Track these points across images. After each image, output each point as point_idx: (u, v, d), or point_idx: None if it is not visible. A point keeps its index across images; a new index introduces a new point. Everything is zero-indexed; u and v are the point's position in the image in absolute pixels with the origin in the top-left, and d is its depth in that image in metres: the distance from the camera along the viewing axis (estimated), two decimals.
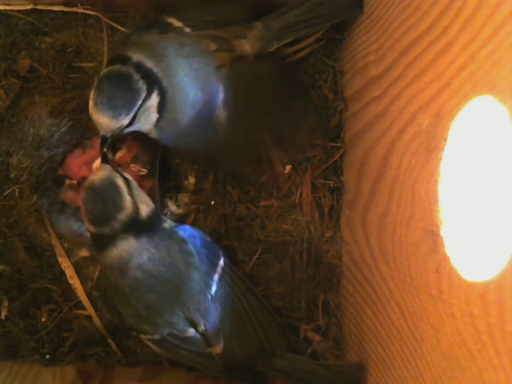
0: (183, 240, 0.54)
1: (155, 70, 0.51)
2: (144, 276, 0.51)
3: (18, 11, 0.65)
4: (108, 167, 0.52)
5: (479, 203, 0.35)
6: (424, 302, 0.43)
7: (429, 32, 0.41)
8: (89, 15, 0.65)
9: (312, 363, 0.59)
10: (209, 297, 0.54)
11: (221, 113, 0.55)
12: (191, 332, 0.54)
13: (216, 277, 0.55)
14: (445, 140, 0.39)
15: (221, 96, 0.55)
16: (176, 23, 0.55)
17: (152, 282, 0.51)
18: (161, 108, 0.52)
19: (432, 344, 0.41)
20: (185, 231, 0.55)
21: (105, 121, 0.50)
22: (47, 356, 0.64)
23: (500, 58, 0.32)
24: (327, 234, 0.66)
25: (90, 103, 0.50)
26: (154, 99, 0.51)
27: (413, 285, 0.45)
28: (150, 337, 0.55)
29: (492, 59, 0.33)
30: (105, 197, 0.49)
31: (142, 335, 0.55)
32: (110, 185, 0.50)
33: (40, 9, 0.65)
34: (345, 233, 0.65)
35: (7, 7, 0.65)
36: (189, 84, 0.53)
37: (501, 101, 0.32)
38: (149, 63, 0.51)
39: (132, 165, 0.64)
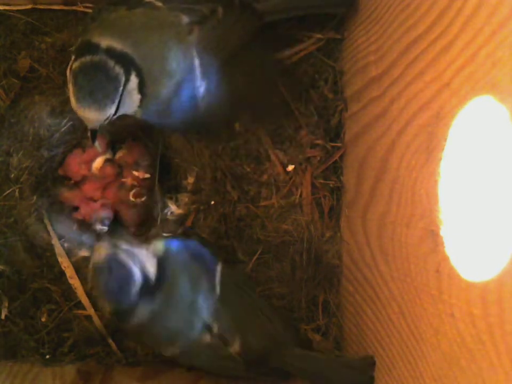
0: (178, 251, 0.56)
1: (126, 50, 0.49)
2: (162, 311, 0.53)
3: (18, 11, 0.65)
4: (105, 244, 0.53)
5: (479, 203, 0.35)
6: (424, 302, 0.43)
7: (429, 32, 0.41)
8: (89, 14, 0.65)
9: (324, 358, 0.59)
10: (216, 298, 0.55)
11: (199, 79, 0.54)
12: (207, 337, 0.54)
13: (217, 278, 0.56)
14: (445, 140, 0.39)
15: (196, 62, 0.53)
16: None
17: (166, 311, 0.53)
18: (141, 86, 0.50)
19: (432, 344, 0.41)
20: (178, 242, 0.57)
21: (92, 115, 0.49)
22: (47, 356, 0.64)
23: (499, 58, 0.32)
24: (327, 234, 0.66)
25: (72, 100, 0.49)
26: (133, 81, 0.50)
27: (413, 285, 0.45)
28: (169, 353, 0.56)
29: (492, 59, 0.33)
30: (115, 276, 0.51)
31: (164, 353, 0.56)
32: (116, 263, 0.51)
33: (40, 9, 0.65)
34: (345, 233, 0.65)
35: (7, 7, 0.65)
36: (161, 55, 0.51)
37: (501, 101, 0.32)
38: (118, 45, 0.49)
39: (135, 172, 0.64)
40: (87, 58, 0.48)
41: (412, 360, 0.45)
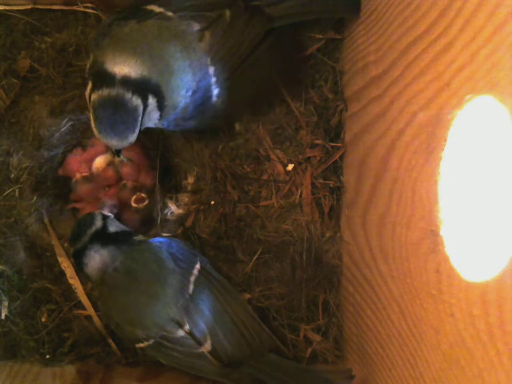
0: (155, 246, 0.58)
1: (142, 72, 0.50)
2: (121, 275, 0.56)
3: (18, 11, 0.65)
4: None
5: (479, 203, 0.35)
6: (424, 302, 0.43)
7: (429, 32, 0.41)
8: (89, 14, 0.65)
9: (297, 367, 0.59)
10: (188, 297, 0.56)
11: (214, 85, 0.55)
12: (181, 332, 0.55)
13: (192, 278, 0.57)
14: (445, 140, 0.39)
15: (211, 70, 0.54)
16: (157, 9, 0.54)
17: (130, 281, 0.56)
18: (160, 102, 0.51)
19: (432, 344, 0.41)
20: (159, 240, 0.60)
21: (114, 143, 0.51)
22: (47, 356, 0.64)
23: (499, 58, 0.32)
24: (327, 234, 0.66)
25: (94, 129, 0.50)
26: (152, 103, 0.51)
27: (413, 285, 0.45)
28: (146, 343, 0.56)
29: (492, 59, 0.33)
30: (80, 222, 0.59)
31: (139, 344, 0.57)
32: (87, 215, 0.59)
33: (40, 9, 0.65)
34: (345, 233, 0.65)
35: (7, 7, 0.65)
36: (178, 66, 0.52)
37: (501, 101, 0.32)
38: (133, 70, 0.50)
39: (141, 194, 0.64)
40: (105, 91, 0.49)
41: (412, 360, 0.45)
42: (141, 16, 0.53)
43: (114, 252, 0.56)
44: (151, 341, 0.56)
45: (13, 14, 0.65)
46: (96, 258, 0.56)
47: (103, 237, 0.57)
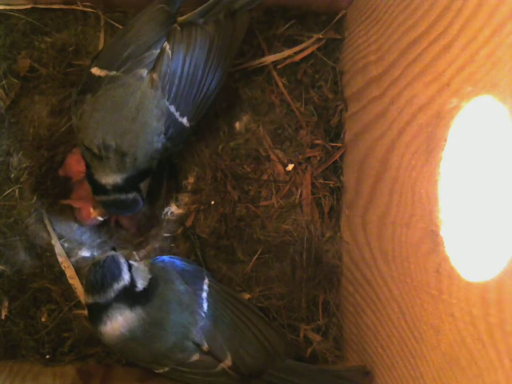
0: (163, 269, 0.56)
1: (123, 175, 0.55)
2: (146, 331, 0.52)
3: (18, 11, 0.65)
4: (114, 252, 0.55)
5: (479, 203, 0.35)
6: (424, 302, 0.43)
7: (429, 32, 0.41)
8: (89, 14, 0.65)
9: (316, 369, 0.59)
10: (203, 315, 0.55)
11: (180, 117, 0.57)
12: (197, 355, 0.54)
13: (204, 294, 0.56)
14: (445, 140, 0.39)
15: (172, 108, 0.55)
16: (100, 72, 0.55)
17: (154, 331, 0.53)
18: (146, 173, 0.57)
19: (432, 344, 0.41)
20: (163, 260, 0.58)
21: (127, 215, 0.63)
22: (47, 356, 0.64)
23: (499, 58, 0.32)
24: (327, 234, 0.66)
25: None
26: (142, 184, 0.58)
27: (413, 285, 0.45)
28: (161, 370, 0.55)
29: (492, 59, 0.33)
30: (105, 268, 0.52)
31: (154, 370, 0.56)
32: (112, 260, 0.53)
33: (40, 9, 0.65)
34: (345, 233, 0.65)
35: (7, 7, 0.65)
36: (146, 127, 0.54)
37: (501, 101, 0.32)
38: (118, 178, 0.55)
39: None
40: (104, 197, 0.57)
41: (412, 360, 0.45)
42: (92, 85, 0.54)
43: (141, 313, 0.52)
44: (166, 369, 0.55)
45: (13, 13, 0.65)
46: (120, 321, 0.51)
47: (130, 296, 0.52)
